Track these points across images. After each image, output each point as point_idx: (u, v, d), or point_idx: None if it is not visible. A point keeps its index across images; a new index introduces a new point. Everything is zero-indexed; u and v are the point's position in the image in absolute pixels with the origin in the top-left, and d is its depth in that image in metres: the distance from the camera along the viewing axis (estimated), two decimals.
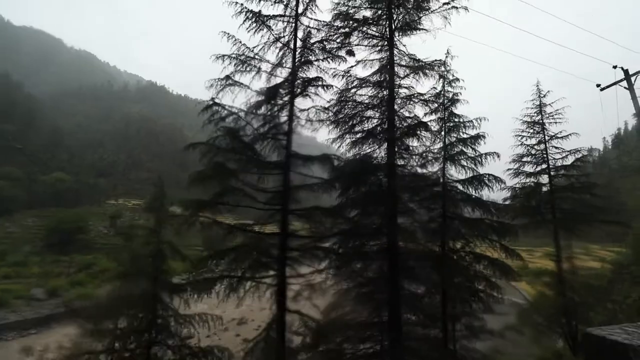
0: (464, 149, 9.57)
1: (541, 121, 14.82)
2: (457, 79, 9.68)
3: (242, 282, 7.58)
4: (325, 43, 10.05)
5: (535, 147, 14.78)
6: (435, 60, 9.61)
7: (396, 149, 9.72)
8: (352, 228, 8.48)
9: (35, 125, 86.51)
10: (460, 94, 9.73)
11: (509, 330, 14.29)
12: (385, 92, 10.01)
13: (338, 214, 8.42)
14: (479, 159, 9.50)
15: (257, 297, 7.97)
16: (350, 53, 10.52)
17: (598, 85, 10.25)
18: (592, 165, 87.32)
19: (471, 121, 9.65)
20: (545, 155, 14.59)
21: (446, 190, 9.34)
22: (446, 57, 9.77)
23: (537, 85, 15.03)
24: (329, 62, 8.89)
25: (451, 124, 9.73)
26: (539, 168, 14.58)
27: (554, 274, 14.30)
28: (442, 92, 9.83)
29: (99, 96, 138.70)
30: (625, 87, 9.59)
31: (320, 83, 8.27)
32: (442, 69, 9.56)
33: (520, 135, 15.16)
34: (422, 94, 9.55)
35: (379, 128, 9.96)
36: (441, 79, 9.68)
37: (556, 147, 14.45)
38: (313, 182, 9.06)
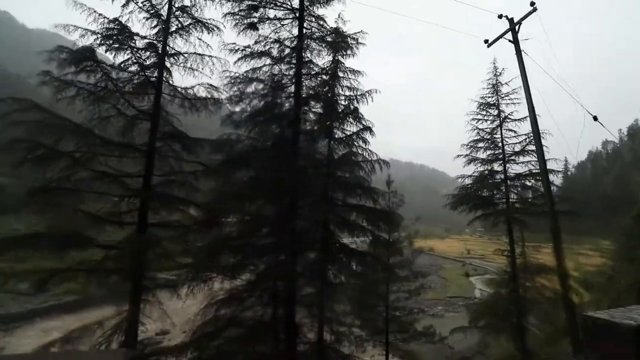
0: (346, 125, 8.44)
1: (496, 102, 13.44)
2: (348, 47, 8.47)
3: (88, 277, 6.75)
4: (230, 17, 9.20)
5: (490, 130, 13.43)
6: (339, 29, 8.54)
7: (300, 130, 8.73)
8: (208, 219, 7.54)
9: None
10: (343, 62, 8.57)
11: (458, 331, 13.19)
12: (286, 68, 9.02)
13: (211, 207, 7.51)
14: (355, 137, 8.38)
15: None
16: (253, 27, 9.53)
17: (486, 42, 8.83)
18: (605, 158, 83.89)
19: (363, 94, 8.50)
20: (500, 140, 13.24)
21: (330, 173, 8.25)
22: (337, 22, 8.64)
23: (494, 63, 13.63)
24: (200, 32, 7.93)
25: (340, 97, 8.58)
26: (488, 153, 13.25)
27: (508, 272, 13.01)
28: (333, 64, 8.71)
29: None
30: (510, 40, 8.19)
31: (173, 51, 7.33)
32: (337, 37, 8.43)
33: (475, 119, 13.82)
34: (323, 68, 8.50)
35: (281, 107, 9.00)
36: (331, 49, 8.55)
37: (512, 131, 13.09)
38: (197, 169, 8.21)
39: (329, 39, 8.50)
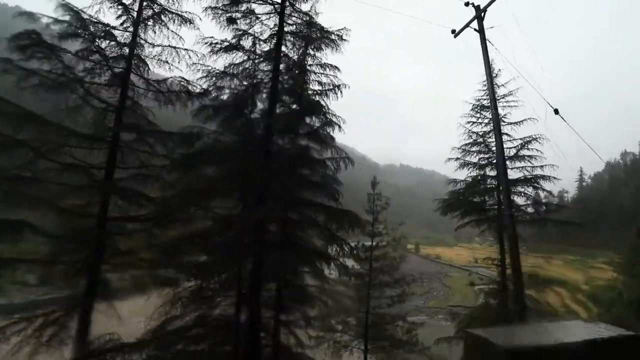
0: (313, 120, 8.11)
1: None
2: (330, 41, 8.08)
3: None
4: (211, 12, 9.09)
5: (483, 133, 12.91)
6: (318, 24, 8.29)
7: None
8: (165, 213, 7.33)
9: None
10: (318, 56, 8.22)
11: (443, 341, 12.65)
12: (262, 62, 8.81)
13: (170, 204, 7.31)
14: (320, 132, 8.04)
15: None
16: (232, 21, 9.38)
17: (453, 31, 8.34)
18: (623, 169, 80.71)
19: (333, 88, 8.15)
20: (493, 144, 12.67)
21: (292, 169, 7.90)
22: (309, 14, 8.33)
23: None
24: (176, 25, 7.81)
25: (310, 91, 8.24)
26: (481, 157, 12.72)
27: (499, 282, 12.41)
28: (307, 57, 8.40)
29: None
30: (475, 30, 7.73)
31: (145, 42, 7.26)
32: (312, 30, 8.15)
33: (469, 122, 13.33)
34: (296, 61, 8.23)
35: (255, 102, 8.80)
36: (308, 43, 8.27)
37: (506, 134, 12.51)
38: (163, 163, 8.07)
39: (307, 33, 8.23)
